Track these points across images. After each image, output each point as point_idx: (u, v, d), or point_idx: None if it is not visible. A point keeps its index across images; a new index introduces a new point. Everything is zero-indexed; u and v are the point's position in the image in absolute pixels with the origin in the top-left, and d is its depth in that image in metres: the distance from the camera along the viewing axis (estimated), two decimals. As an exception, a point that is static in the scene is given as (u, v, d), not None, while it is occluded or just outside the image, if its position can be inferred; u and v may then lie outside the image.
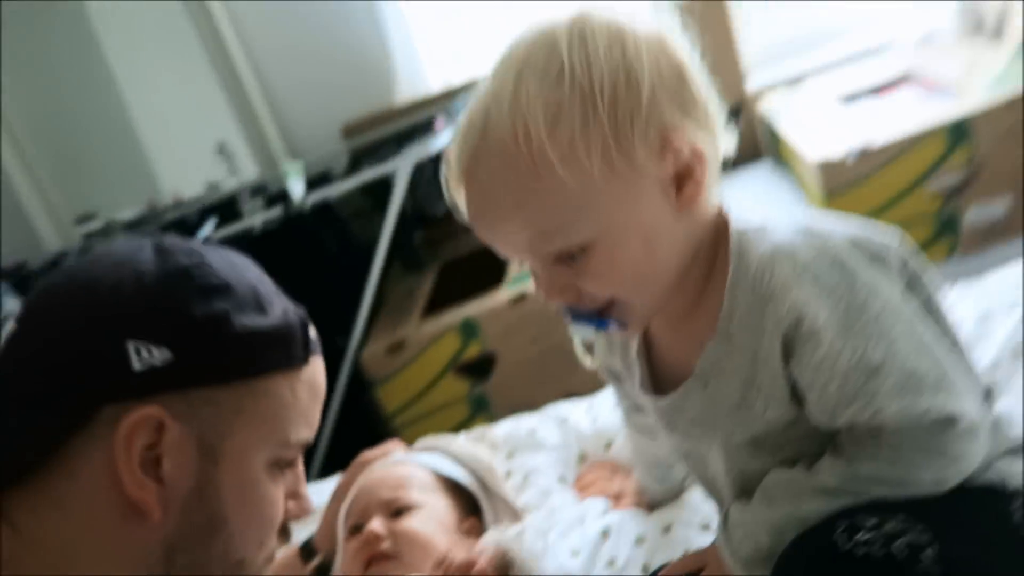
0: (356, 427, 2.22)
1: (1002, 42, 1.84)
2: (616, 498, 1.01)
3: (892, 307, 0.62)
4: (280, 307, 0.62)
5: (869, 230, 0.66)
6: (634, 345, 0.76)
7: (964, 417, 0.62)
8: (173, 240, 0.62)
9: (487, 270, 2.00)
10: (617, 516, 0.96)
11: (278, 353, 0.61)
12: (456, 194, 0.67)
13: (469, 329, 1.78)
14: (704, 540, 0.88)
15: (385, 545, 0.91)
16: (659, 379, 0.75)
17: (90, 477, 0.57)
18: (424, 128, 2.09)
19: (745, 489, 0.71)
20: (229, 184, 2.39)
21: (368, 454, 1.07)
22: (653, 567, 0.87)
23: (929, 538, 0.59)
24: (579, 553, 0.92)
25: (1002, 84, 1.64)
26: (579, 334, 0.73)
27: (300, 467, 0.67)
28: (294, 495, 0.67)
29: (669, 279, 0.67)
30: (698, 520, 0.92)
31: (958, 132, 1.60)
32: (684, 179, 0.64)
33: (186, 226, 2.03)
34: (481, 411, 1.84)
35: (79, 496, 0.57)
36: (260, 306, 0.60)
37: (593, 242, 0.63)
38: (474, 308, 1.79)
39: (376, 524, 0.93)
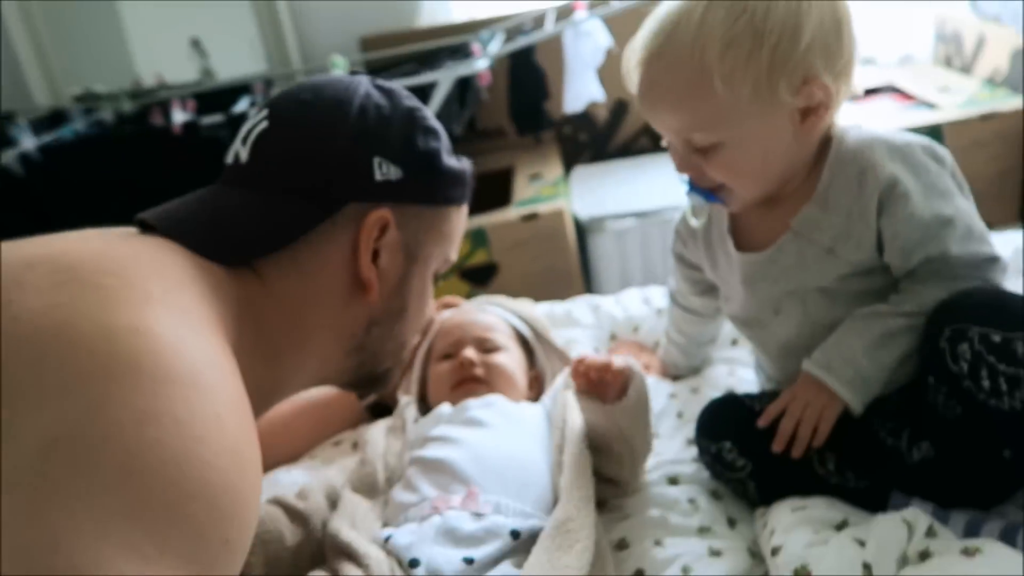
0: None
1: (972, 74, 2.13)
2: (644, 368, 1.22)
3: (955, 185, 0.85)
4: (460, 156, 0.80)
5: (934, 143, 0.88)
6: (727, 219, 0.96)
7: (1000, 259, 0.84)
8: (386, 82, 0.76)
9: (494, 191, 2.16)
10: (651, 378, 1.17)
11: (460, 190, 0.78)
12: (631, 76, 0.86)
13: (479, 237, 1.94)
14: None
15: (478, 371, 1.06)
16: (746, 246, 0.94)
17: (332, 254, 0.70)
18: (453, 52, 2.23)
19: (811, 347, 0.88)
20: (228, 73, 2.49)
21: (446, 299, 1.23)
22: (686, 415, 1.08)
23: None
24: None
25: (971, 105, 1.92)
26: (692, 200, 0.93)
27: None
28: None
29: (774, 180, 0.87)
30: (723, 386, 1.13)
31: (933, 135, 1.87)
32: (810, 113, 0.82)
33: (219, 100, 2.11)
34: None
35: (322, 268, 0.70)
36: (452, 151, 0.78)
37: (723, 143, 0.83)
38: (486, 220, 1.95)
39: (471, 352, 1.08)
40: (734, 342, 1.23)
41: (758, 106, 0.80)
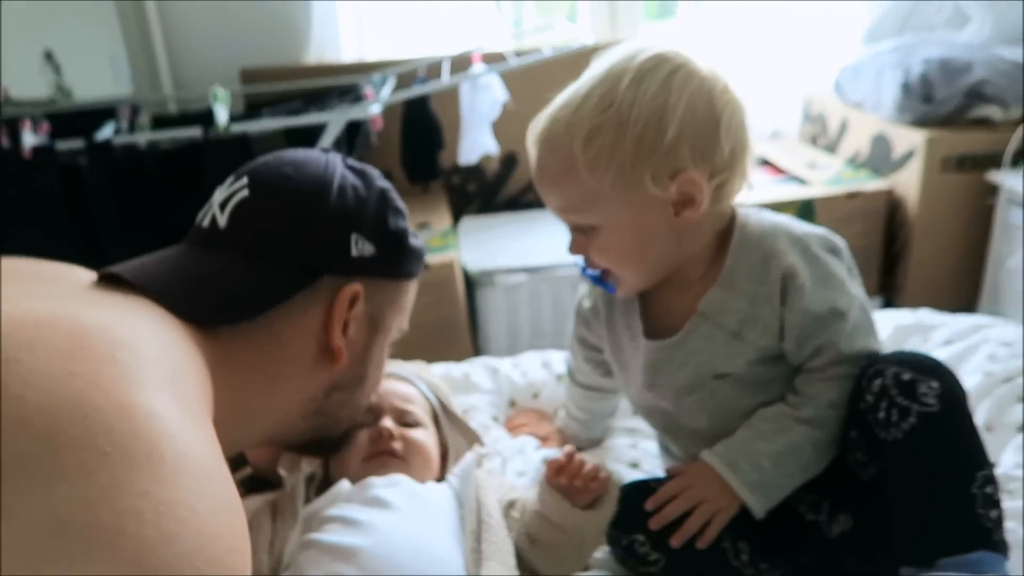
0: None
1: (836, 153, 2.29)
2: (544, 439, 1.18)
3: (848, 275, 0.87)
4: (416, 234, 0.86)
5: (830, 233, 0.91)
6: (636, 304, 0.95)
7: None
8: (357, 163, 0.82)
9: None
10: (551, 451, 1.13)
11: (419, 264, 0.85)
12: (532, 152, 0.86)
13: (365, 287, 1.87)
14: (634, 475, 1.07)
15: (397, 445, 0.97)
16: (654, 333, 0.93)
17: (305, 322, 0.74)
18: (343, 93, 2.16)
19: (720, 435, 0.89)
20: (83, 94, 2.31)
21: None
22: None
23: None
24: (524, 474, 1.08)
25: (838, 183, 2.06)
26: (588, 282, 0.94)
27: None
28: None
29: (657, 268, 0.88)
30: (626, 459, 1.11)
31: (807, 210, 1.98)
32: (684, 206, 0.82)
33: (77, 123, 1.93)
34: (356, 366, 1.92)
35: (295, 335, 0.74)
36: (414, 232, 0.85)
37: (598, 227, 0.85)
38: (373, 269, 1.88)
39: (390, 423, 0.99)
40: (636, 412, 1.22)
41: (625, 195, 0.81)
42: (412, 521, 0.86)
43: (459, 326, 1.92)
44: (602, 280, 0.90)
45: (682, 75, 0.80)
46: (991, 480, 0.77)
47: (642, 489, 0.90)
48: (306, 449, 0.86)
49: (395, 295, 0.83)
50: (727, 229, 0.89)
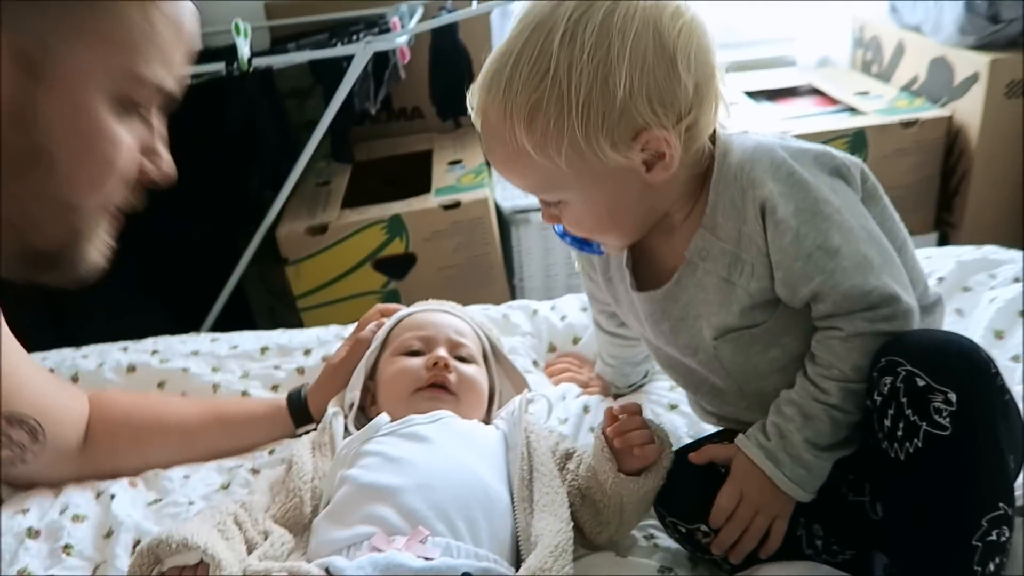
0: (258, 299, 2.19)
1: (890, 82, 2.16)
2: (585, 386, 1.14)
3: (849, 205, 0.74)
4: None
5: (833, 150, 0.78)
6: (625, 255, 0.87)
7: (902, 299, 0.72)
8: None
9: (411, 176, 2.03)
10: (593, 398, 1.09)
11: None
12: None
13: (396, 226, 1.81)
14: (671, 418, 1.02)
15: (452, 378, 0.92)
16: (645, 283, 0.85)
17: None
18: (369, 25, 2.07)
19: (744, 394, 0.82)
20: None
21: (384, 307, 1.10)
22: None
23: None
24: (567, 421, 1.03)
25: (893, 112, 1.94)
26: (571, 247, 0.86)
27: (161, 126, 0.65)
28: (150, 152, 0.64)
29: (637, 228, 0.79)
30: (665, 401, 1.06)
31: (859, 141, 1.87)
32: (653, 163, 0.72)
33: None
34: (389, 308, 1.88)
35: None
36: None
37: (566, 202, 0.77)
38: (403, 207, 1.82)
39: (445, 353, 0.94)
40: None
41: (587, 169, 0.72)
42: (456, 459, 0.82)
43: (494, 267, 1.87)
44: (585, 243, 0.83)
45: (620, 15, 0.68)
46: (1001, 521, 0.67)
47: (695, 472, 0.81)
48: (27, 273, 0.61)
49: (78, 20, 0.55)
50: (708, 163, 0.78)
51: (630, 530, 0.85)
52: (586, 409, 1.06)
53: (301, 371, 1.17)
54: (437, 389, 0.93)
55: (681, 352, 0.85)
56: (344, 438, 0.90)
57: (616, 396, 1.13)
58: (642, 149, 0.70)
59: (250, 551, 0.77)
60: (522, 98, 0.69)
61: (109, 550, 0.87)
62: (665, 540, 0.85)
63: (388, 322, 1.03)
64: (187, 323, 1.91)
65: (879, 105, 1.99)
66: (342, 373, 1.02)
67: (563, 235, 0.82)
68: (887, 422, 0.69)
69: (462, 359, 0.97)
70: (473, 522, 0.76)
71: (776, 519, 0.77)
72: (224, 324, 2.03)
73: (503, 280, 1.89)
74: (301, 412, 1.03)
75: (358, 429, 0.93)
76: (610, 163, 0.70)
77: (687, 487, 0.81)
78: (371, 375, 1.01)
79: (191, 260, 1.95)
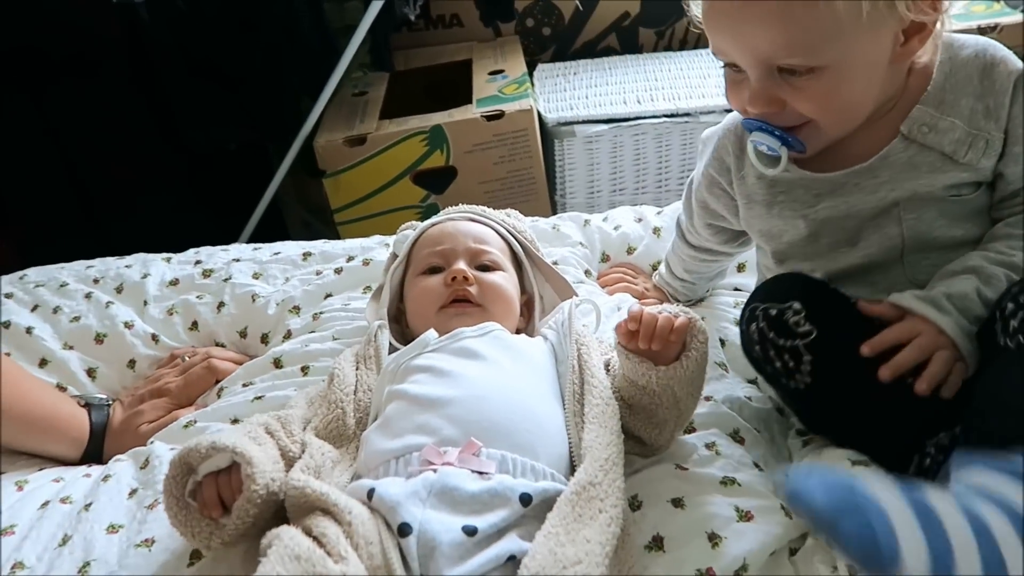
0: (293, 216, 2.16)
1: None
2: (641, 297, 1.09)
3: None
4: None
5: None
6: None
7: None
8: None
9: (450, 87, 1.96)
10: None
11: None
12: None
13: (437, 137, 1.75)
14: (734, 332, 0.98)
15: (473, 289, 0.89)
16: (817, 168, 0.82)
17: None
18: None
19: (905, 265, 0.80)
20: None
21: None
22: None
23: None
24: (622, 333, 0.98)
25: (967, 17, 1.81)
26: (760, 145, 0.79)
27: None
28: None
29: (866, 113, 0.76)
30: (731, 317, 1.01)
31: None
32: (914, 34, 0.72)
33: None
34: (429, 223, 1.84)
35: None
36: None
37: (826, 67, 0.70)
38: (444, 118, 1.76)
39: (463, 266, 0.91)
40: (741, 268, 1.11)
41: (872, 24, 0.69)
42: (508, 374, 0.79)
43: (537, 180, 1.81)
44: (785, 136, 0.76)
45: None
46: None
47: (803, 277, 0.80)
48: None
49: None
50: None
51: (690, 417, 0.81)
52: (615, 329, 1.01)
53: (339, 271, 1.14)
54: (461, 304, 0.89)
55: (842, 232, 0.82)
56: (389, 353, 0.87)
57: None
58: (918, 11, 0.70)
59: (286, 460, 0.74)
60: None
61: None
62: (727, 447, 0.80)
63: (411, 236, 0.99)
64: (224, 238, 1.89)
65: (955, 10, 1.86)
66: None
67: (763, 128, 0.76)
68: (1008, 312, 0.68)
69: (485, 267, 0.93)
70: (527, 434, 0.72)
71: (956, 373, 0.71)
72: (260, 239, 2.02)
73: (545, 196, 1.83)
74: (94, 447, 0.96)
75: (400, 343, 0.90)
76: (892, 19, 0.70)
77: (785, 279, 0.81)
78: (400, 296, 0.98)
79: (228, 173, 1.91)
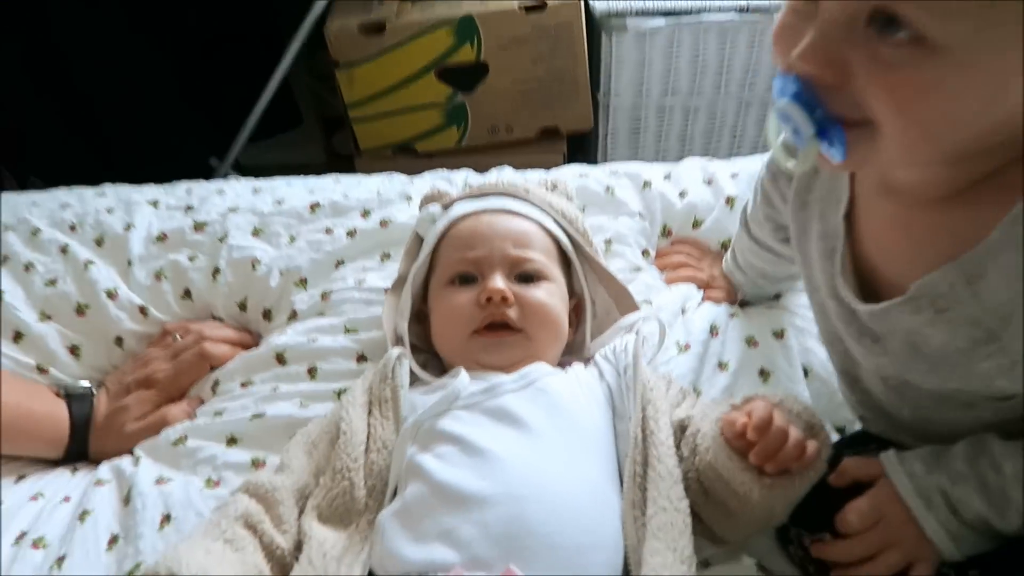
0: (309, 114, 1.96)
1: None
2: (707, 286, 0.93)
3: None
4: None
5: None
6: (842, 205, 0.62)
7: None
8: None
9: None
10: (719, 311, 0.88)
11: None
12: None
13: (466, 29, 1.51)
14: (815, 348, 0.83)
15: (512, 313, 0.73)
16: (859, 258, 0.62)
17: None
18: None
19: (913, 430, 0.64)
20: None
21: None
22: (771, 370, 0.81)
23: None
24: (687, 349, 0.83)
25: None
26: (784, 122, 0.51)
27: None
28: None
29: (947, 150, 0.49)
30: (814, 331, 0.85)
31: None
32: None
33: None
34: (455, 123, 1.63)
35: None
36: None
37: (943, 50, 0.43)
38: (476, 7, 1.50)
39: (500, 282, 0.74)
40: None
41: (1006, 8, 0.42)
42: (553, 454, 0.64)
43: (579, 82, 1.58)
44: (828, 129, 0.49)
45: None
46: None
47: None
48: None
49: None
50: None
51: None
52: (713, 330, 0.85)
53: (352, 234, 0.97)
54: (498, 332, 0.73)
55: (857, 340, 0.63)
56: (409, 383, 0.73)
57: (743, 304, 0.92)
58: None
59: (273, 561, 0.61)
60: None
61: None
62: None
63: (437, 226, 0.81)
64: (228, 130, 1.70)
65: None
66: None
67: (797, 95, 0.48)
68: None
69: (527, 277, 0.76)
70: (576, 550, 0.59)
71: (917, 563, 0.61)
72: (268, 130, 1.82)
73: (587, 99, 1.61)
74: (78, 444, 0.84)
75: (423, 369, 0.76)
76: None
77: (813, 491, 0.62)
78: (424, 295, 0.82)
79: (234, 61, 1.69)
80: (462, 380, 0.69)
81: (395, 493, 0.66)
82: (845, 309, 0.63)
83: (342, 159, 1.86)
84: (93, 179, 1.15)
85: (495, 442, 0.64)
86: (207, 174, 1.73)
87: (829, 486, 0.63)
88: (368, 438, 0.68)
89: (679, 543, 0.58)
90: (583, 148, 1.76)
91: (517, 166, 1.08)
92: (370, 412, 0.70)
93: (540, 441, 0.64)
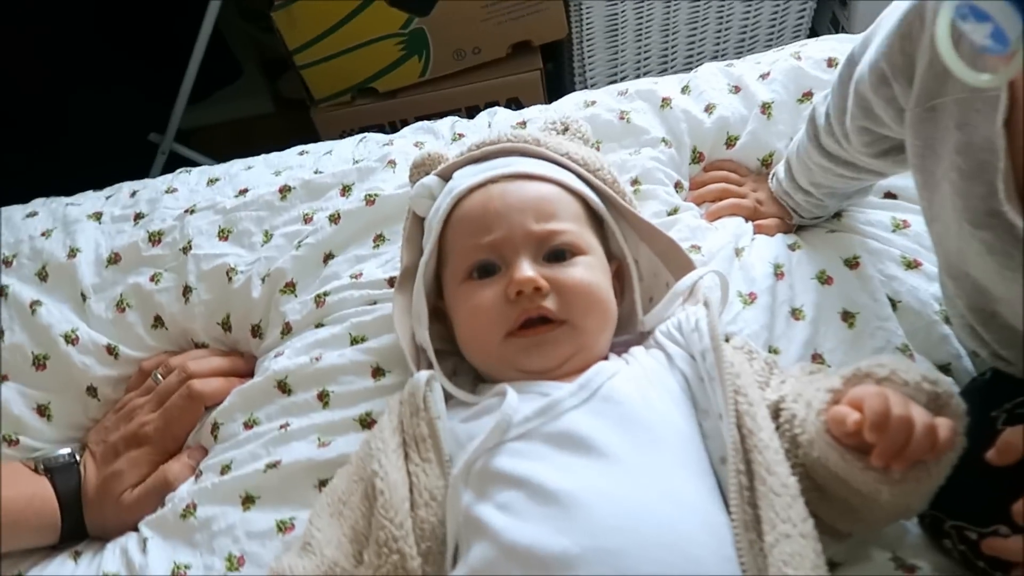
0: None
1: None
2: (753, 216, 0.80)
3: None
4: None
5: None
6: (1000, 111, 0.49)
7: None
8: None
9: None
10: (777, 245, 0.76)
11: None
12: None
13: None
14: (908, 280, 0.71)
15: (549, 304, 0.60)
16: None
17: None
18: None
19: None
20: None
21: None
22: (854, 311, 0.70)
23: None
24: (753, 299, 0.71)
25: None
26: (978, 19, 0.39)
27: None
28: None
29: None
30: (897, 253, 0.73)
31: None
32: None
33: None
34: (415, 53, 1.45)
35: None
36: None
37: None
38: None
39: (528, 269, 0.61)
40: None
41: None
42: (642, 481, 0.52)
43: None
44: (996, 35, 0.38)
45: None
46: None
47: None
48: None
49: None
50: None
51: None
52: (777, 272, 0.73)
53: (336, 218, 0.83)
54: (536, 329, 0.61)
55: (1010, 289, 0.52)
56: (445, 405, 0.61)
57: (798, 228, 0.80)
58: None
59: None
60: None
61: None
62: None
63: (439, 205, 0.67)
64: (163, 99, 1.52)
65: None
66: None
67: None
68: None
69: (559, 255, 0.63)
70: None
71: None
72: (207, 88, 1.63)
73: (560, 8, 1.42)
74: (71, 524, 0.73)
75: (454, 378, 0.64)
76: None
77: (972, 475, 0.52)
78: (437, 290, 0.69)
79: (155, 18, 1.48)
80: (510, 402, 0.57)
81: (455, 552, 0.55)
82: (1005, 235, 0.50)
83: (293, 104, 1.68)
84: (13, 183, 0.98)
85: (567, 479, 0.52)
86: (149, 153, 1.56)
87: (985, 462, 0.52)
88: (411, 491, 0.56)
89: (814, 564, 0.48)
90: (555, 58, 1.59)
91: (493, 92, 0.93)
92: (406, 456, 0.58)
93: (620, 468, 0.53)
